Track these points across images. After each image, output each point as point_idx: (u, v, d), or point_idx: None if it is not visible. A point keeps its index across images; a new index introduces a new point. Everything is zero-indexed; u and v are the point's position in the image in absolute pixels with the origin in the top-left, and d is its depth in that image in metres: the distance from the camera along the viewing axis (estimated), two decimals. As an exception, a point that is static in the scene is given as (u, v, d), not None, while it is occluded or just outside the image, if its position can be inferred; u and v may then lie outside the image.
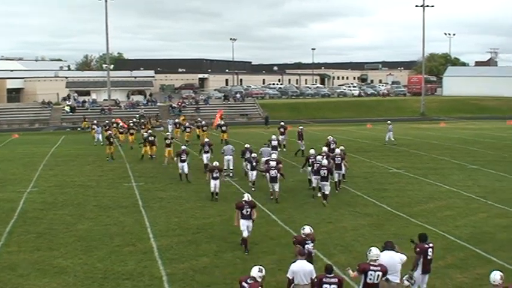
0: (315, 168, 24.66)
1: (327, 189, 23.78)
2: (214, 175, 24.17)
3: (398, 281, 12.68)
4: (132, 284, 14.88)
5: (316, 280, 11.52)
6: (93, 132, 53.37)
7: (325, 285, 11.33)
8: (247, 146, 29.62)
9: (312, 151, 27.25)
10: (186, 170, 28.91)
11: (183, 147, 29.57)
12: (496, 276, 11.04)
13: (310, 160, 26.27)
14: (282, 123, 43.25)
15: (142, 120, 59.37)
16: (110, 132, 41.21)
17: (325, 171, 23.76)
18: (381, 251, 12.54)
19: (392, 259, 12.58)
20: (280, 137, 40.74)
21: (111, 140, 38.12)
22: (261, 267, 11.33)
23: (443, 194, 25.42)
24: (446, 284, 14.48)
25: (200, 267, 16.03)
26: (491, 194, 25.13)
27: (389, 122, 46.20)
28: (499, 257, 16.52)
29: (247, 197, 17.84)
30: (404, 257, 12.87)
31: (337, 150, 27.39)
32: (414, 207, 22.91)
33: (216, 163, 25.38)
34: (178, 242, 18.57)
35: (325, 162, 24.34)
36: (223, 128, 48.01)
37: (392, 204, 23.24)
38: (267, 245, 18.04)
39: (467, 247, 17.67)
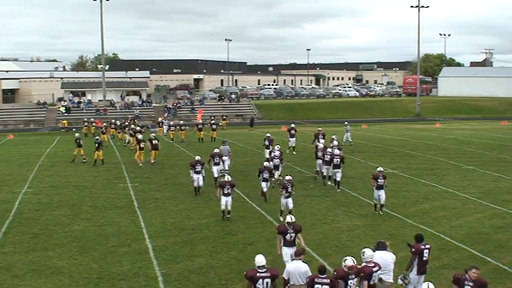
0: (327, 158, 27.35)
1: (339, 176, 26.68)
2: (226, 191, 21.03)
3: (391, 280, 12.76)
4: (127, 285, 14.85)
5: (308, 280, 11.52)
6: (85, 130, 53.92)
7: (316, 286, 11.31)
8: (266, 164, 25.54)
9: (320, 145, 30.71)
10: (201, 182, 25.70)
11: (198, 157, 26.18)
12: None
13: (319, 153, 29.15)
14: (293, 125, 41.39)
15: (122, 122, 56.37)
16: (77, 134, 40.02)
17: (338, 160, 26.62)
18: (373, 252, 12.67)
19: (385, 259, 12.70)
20: (290, 139, 39.77)
21: (81, 142, 37.34)
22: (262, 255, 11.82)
23: (438, 195, 25.47)
24: (441, 285, 14.48)
25: (195, 268, 16.02)
26: (487, 195, 25.19)
27: (346, 122, 46.40)
28: (494, 258, 16.57)
29: (289, 218, 15.05)
30: (394, 256, 12.97)
31: (335, 142, 30.91)
32: (410, 207, 22.95)
33: (227, 177, 21.86)
34: (173, 242, 18.56)
35: (337, 151, 27.12)
36: (213, 127, 48.86)
37: (388, 205, 23.22)
38: (262, 245, 18.02)
39: (462, 248, 17.70)
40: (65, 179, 30.64)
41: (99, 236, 19.36)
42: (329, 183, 27.35)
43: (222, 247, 17.95)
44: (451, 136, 51.04)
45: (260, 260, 11.62)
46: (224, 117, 65.25)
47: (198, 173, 25.62)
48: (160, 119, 57.16)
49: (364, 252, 12.08)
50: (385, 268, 12.58)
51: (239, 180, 27.89)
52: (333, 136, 34.31)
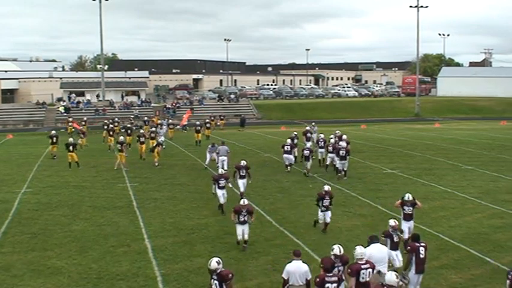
0: (332, 150, 30.75)
1: (345, 166, 29.50)
2: (242, 218, 17.65)
3: (387, 272, 12.90)
4: (126, 285, 14.86)
5: (318, 280, 11.57)
6: (70, 130, 53.88)
7: (327, 285, 11.44)
8: (326, 188, 19.94)
9: (332, 140, 32.45)
10: (222, 199, 22.51)
11: (222, 170, 24.16)
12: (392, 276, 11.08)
13: (330, 147, 31.61)
14: (308, 128, 39.79)
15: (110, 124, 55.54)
16: (53, 132, 40.30)
17: (344, 152, 29.22)
18: (367, 245, 12.89)
19: (381, 251, 13.16)
20: (306, 143, 36.93)
21: (54, 140, 38.36)
22: (219, 259, 11.70)
23: (437, 195, 25.47)
24: (440, 285, 14.52)
25: (195, 268, 16.02)
26: (486, 195, 25.20)
27: (313, 123, 45.83)
28: (493, 258, 16.58)
29: (337, 249, 12.50)
30: (389, 251, 13.22)
31: (344, 137, 33.65)
32: (409, 207, 22.92)
33: (244, 201, 18.06)
34: (172, 242, 18.56)
35: (343, 144, 30.20)
36: (207, 125, 49.48)
37: (387, 205, 23.24)
38: (262, 245, 18.04)
39: (461, 248, 17.72)
40: (64, 179, 30.64)
41: (98, 236, 19.37)
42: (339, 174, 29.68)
43: (221, 247, 17.96)
44: (450, 136, 51.04)
45: (212, 264, 11.62)
46: (222, 117, 65.42)
47: (222, 188, 22.50)
48: (146, 118, 57.74)
49: (355, 249, 12.24)
50: (382, 260, 12.84)
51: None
52: (337, 131, 35.55)
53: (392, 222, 15.02)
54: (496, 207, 22.87)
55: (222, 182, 22.49)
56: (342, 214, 22.05)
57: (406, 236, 17.25)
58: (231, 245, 18.07)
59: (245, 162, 24.88)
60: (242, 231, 17.62)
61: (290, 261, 12.45)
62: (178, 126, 56.95)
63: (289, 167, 31.69)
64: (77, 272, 15.81)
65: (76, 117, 65.80)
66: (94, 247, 18.11)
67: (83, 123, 57.47)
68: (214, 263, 11.58)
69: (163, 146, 41.48)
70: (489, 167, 32.47)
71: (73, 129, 55.11)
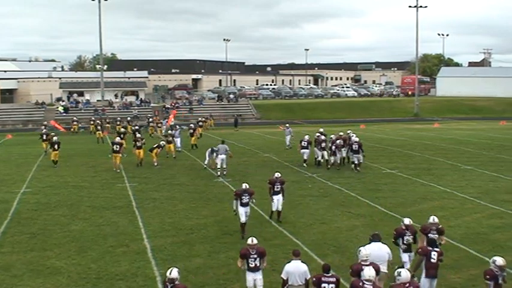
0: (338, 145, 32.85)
1: (357, 160, 31.84)
2: (252, 264, 13.38)
3: (386, 271, 12.95)
4: (125, 285, 14.85)
5: (314, 280, 11.52)
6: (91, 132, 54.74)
7: (323, 285, 11.38)
8: (407, 221, 15.19)
9: (352, 134, 34.45)
10: (244, 217, 19.18)
11: (245, 185, 19.49)
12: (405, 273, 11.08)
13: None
14: (321, 130, 36.47)
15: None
16: (44, 129, 40.85)
17: (357, 146, 31.65)
18: (369, 243, 12.95)
19: (381, 250, 13.11)
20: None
21: (44, 137, 39.63)
22: (179, 270, 11.74)
23: (437, 195, 25.45)
24: (439, 285, 14.47)
25: (194, 268, 16.01)
26: (485, 195, 25.18)
27: (287, 125, 45.85)
28: (492, 258, 16.55)
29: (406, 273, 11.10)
30: (390, 251, 13.30)
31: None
32: (408, 207, 22.92)
33: (253, 239, 13.59)
34: (171, 242, 18.55)
35: (356, 139, 32.30)
36: (200, 124, 50.72)
37: (386, 205, 23.25)
38: (261, 245, 17.98)
39: (461, 248, 17.71)
40: (63, 179, 30.61)
41: (98, 236, 19.36)
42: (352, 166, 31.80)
43: (220, 247, 17.95)
44: (449, 136, 51.04)
45: (173, 273, 11.49)
46: (210, 116, 65.17)
47: (245, 205, 19.18)
48: (129, 118, 59.61)
49: (359, 250, 12.11)
50: (381, 259, 12.78)
51: (238, 181, 27.87)
52: (340, 132, 36.00)
53: (500, 261, 11.83)
54: (495, 207, 22.86)
55: (246, 198, 19.23)
56: (341, 214, 22.07)
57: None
58: (230, 245, 18.05)
59: (279, 175, 21.49)
60: (254, 282, 13.34)
61: (289, 261, 12.45)
62: (164, 126, 56.99)
63: (306, 163, 33.66)
64: (76, 272, 15.80)
65: (80, 117, 65.90)
66: (93, 247, 18.10)
67: (91, 123, 58.35)
68: (175, 272, 11.39)
69: (180, 150, 40.96)
70: (488, 167, 32.48)
71: (78, 128, 56.16)
